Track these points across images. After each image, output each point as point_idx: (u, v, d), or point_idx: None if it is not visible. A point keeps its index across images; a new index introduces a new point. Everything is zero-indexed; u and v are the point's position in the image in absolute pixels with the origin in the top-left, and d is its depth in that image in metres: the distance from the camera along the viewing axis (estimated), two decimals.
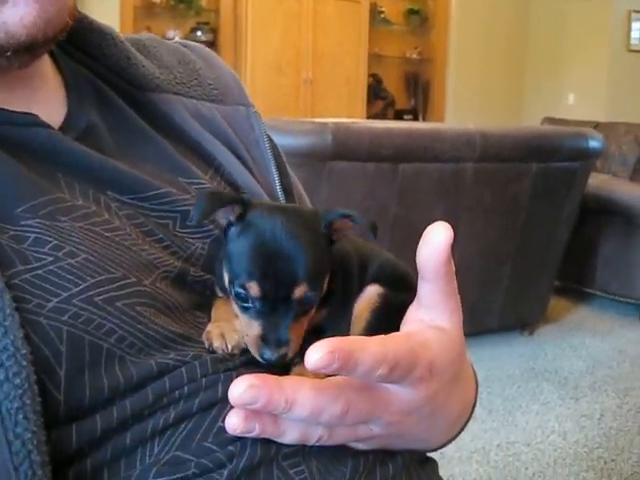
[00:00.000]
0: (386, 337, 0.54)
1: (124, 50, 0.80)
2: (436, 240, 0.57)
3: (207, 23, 7.31)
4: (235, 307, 0.62)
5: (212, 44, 7.27)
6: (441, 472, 2.54)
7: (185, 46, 0.92)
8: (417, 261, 0.58)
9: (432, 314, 0.61)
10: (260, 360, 0.60)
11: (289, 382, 0.52)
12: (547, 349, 3.74)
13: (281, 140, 3.48)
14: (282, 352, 0.58)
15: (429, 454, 0.73)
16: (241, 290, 0.59)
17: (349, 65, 7.53)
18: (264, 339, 0.59)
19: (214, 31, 7.30)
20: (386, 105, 8.13)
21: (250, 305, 0.60)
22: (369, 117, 7.65)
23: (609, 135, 5.22)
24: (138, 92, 0.79)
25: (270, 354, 0.58)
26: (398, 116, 8.03)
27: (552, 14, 8.33)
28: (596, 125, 5.47)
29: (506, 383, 3.27)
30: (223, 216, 0.62)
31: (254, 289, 0.59)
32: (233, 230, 0.62)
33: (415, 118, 8.11)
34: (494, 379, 3.27)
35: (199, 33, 7.27)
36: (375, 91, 8.00)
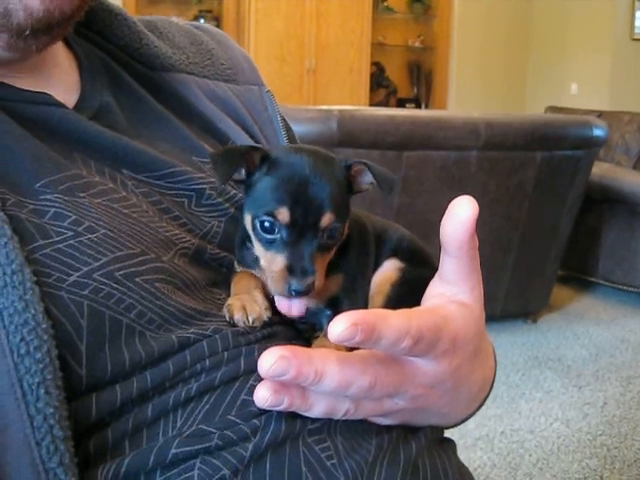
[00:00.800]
0: (410, 310, 0.55)
1: (136, 31, 0.80)
2: (461, 215, 0.56)
3: (210, 11, 7.30)
4: (258, 247, 0.62)
5: None
6: None
7: (197, 27, 0.92)
8: (441, 235, 0.58)
9: (454, 289, 0.61)
10: (287, 295, 0.60)
11: (318, 354, 0.52)
12: (550, 337, 3.75)
13: None
14: (309, 281, 0.59)
15: (447, 434, 0.74)
16: (269, 219, 0.60)
17: (352, 54, 7.51)
18: (290, 269, 0.59)
19: (217, 19, 7.28)
20: (389, 94, 8.11)
21: (276, 236, 0.60)
22: (372, 106, 7.62)
23: (612, 124, 5.20)
24: (151, 72, 0.80)
25: (297, 284, 0.59)
26: (401, 105, 8.00)
27: (555, 3, 8.29)
28: (599, 114, 5.45)
29: (510, 371, 3.27)
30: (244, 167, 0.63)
31: (284, 215, 0.59)
32: (257, 174, 0.62)
33: (418, 107, 8.09)
34: (498, 367, 3.22)
35: (202, 21, 7.23)
36: (378, 80, 7.98)
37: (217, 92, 0.83)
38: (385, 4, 7.92)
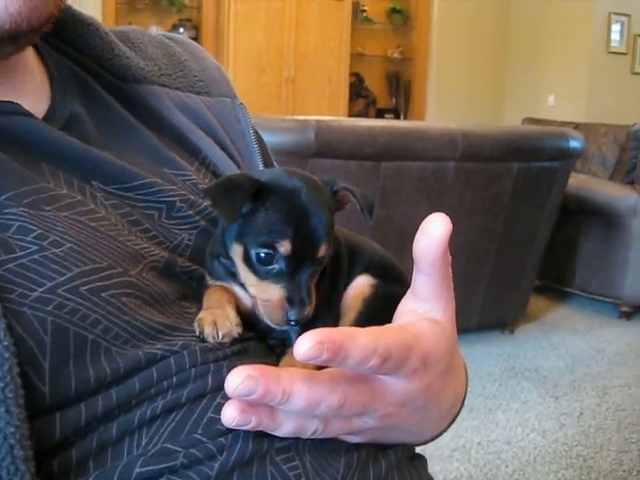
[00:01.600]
0: (378, 328, 0.54)
1: (108, 42, 0.79)
2: (434, 232, 0.56)
3: (189, 20, 7.30)
4: (249, 276, 0.62)
5: (194, 41, 7.23)
6: None
7: (170, 39, 0.91)
8: (414, 253, 0.58)
9: (427, 306, 0.60)
10: (285, 325, 0.60)
11: (286, 373, 0.51)
12: (527, 348, 3.76)
13: (263, 137, 3.43)
14: (306, 312, 0.59)
15: (418, 450, 0.73)
16: (267, 251, 0.60)
17: (331, 64, 7.53)
18: (290, 300, 0.59)
19: (196, 28, 7.28)
20: (368, 104, 8.14)
21: (274, 267, 0.60)
22: (351, 116, 7.64)
23: (589, 136, 5.25)
24: (122, 84, 0.79)
25: (296, 315, 0.59)
26: (380, 115, 8.04)
27: (533, 15, 8.37)
28: (576, 126, 5.50)
29: (487, 382, 3.28)
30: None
31: (286, 247, 0.59)
32: (252, 205, 0.61)
33: (396, 117, 8.12)
34: (475, 378, 3.28)
35: (181, 30, 7.24)
36: (357, 90, 8.01)
37: (189, 104, 0.83)
38: (364, 14, 7.96)
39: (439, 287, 0.60)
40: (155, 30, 7.18)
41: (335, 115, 7.07)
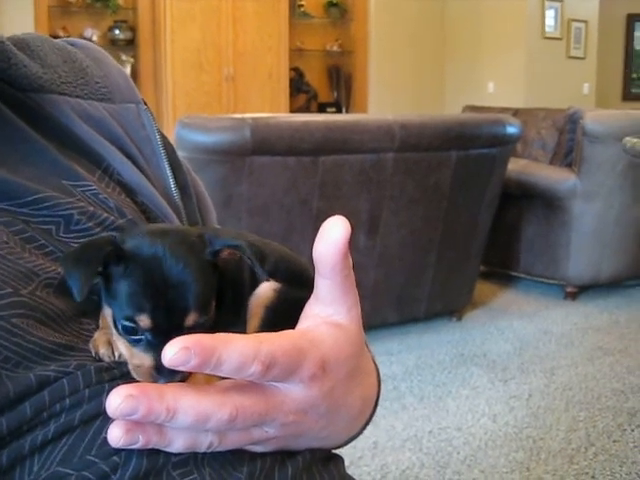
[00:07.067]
0: (264, 334, 0.53)
1: (4, 50, 0.76)
2: (332, 235, 0.55)
3: (125, 21, 7.21)
4: (121, 340, 0.58)
5: (131, 42, 7.18)
6: (374, 461, 2.55)
7: (72, 44, 0.89)
8: (313, 257, 0.57)
9: (329, 310, 0.60)
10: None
11: (170, 390, 0.50)
12: (475, 334, 3.80)
13: (200, 137, 3.38)
14: (178, 378, 0.55)
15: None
16: (130, 324, 0.56)
17: (270, 60, 7.51)
18: (158, 370, 0.55)
19: (132, 29, 7.20)
20: (309, 98, 8.14)
21: (140, 337, 0.56)
22: (292, 111, 7.64)
23: (528, 121, 5.33)
24: (20, 94, 0.76)
25: (166, 380, 0.54)
26: (321, 109, 8.05)
27: (468, 4, 8.46)
28: (515, 112, 5.57)
29: (436, 370, 3.30)
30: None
31: (145, 322, 0.55)
32: (113, 268, 0.56)
33: (338, 111, 8.14)
34: (424, 366, 3.30)
35: (117, 32, 7.16)
36: (297, 85, 8.00)
37: (91, 112, 0.80)
38: (302, 9, 7.96)
39: (340, 290, 0.59)
40: (90, 33, 7.09)
41: (277, 111, 7.06)
